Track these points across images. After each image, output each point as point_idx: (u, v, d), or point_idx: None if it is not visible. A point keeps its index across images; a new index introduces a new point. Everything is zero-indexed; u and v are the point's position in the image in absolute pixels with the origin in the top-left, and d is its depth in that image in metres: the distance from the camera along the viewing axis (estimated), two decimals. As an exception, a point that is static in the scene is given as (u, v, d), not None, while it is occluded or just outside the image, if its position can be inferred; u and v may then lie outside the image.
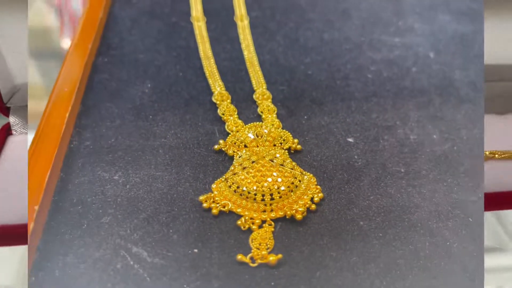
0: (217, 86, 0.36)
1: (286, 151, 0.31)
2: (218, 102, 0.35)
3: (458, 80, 0.40)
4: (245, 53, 0.41)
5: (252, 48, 0.42)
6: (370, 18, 0.48)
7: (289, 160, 0.30)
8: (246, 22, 0.45)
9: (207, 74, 0.38)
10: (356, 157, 0.32)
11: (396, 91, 0.38)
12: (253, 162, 0.29)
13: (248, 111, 0.35)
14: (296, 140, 0.32)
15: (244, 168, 0.29)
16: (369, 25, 0.47)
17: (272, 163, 0.29)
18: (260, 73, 0.38)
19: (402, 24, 0.47)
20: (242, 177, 0.28)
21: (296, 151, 0.32)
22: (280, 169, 0.28)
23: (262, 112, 0.34)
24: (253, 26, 0.45)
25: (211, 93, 0.36)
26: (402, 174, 0.31)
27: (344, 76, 0.40)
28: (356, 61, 0.42)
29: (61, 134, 0.29)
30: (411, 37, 0.45)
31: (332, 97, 0.37)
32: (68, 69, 0.34)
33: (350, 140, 0.33)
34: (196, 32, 0.43)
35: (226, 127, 0.33)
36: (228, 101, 0.35)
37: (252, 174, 0.28)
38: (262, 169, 0.28)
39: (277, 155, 0.29)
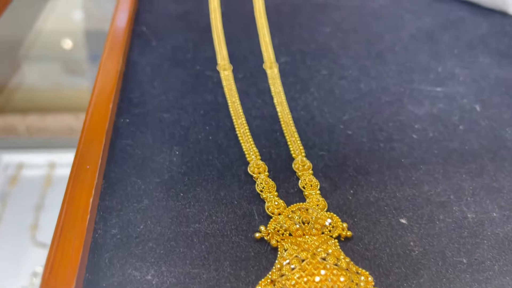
0: (252, 154, 0.33)
1: (337, 241, 0.28)
2: (254, 175, 0.31)
3: (510, 140, 0.37)
4: (278, 109, 0.38)
5: (285, 102, 0.38)
6: (406, 62, 0.44)
7: (342, 256, 0.26)
8: (275, 70, 0.42)
9: (239, 136, 0.35)
10: (412, 243, 0.29)
11: (445, 156, 0.35)
12: (302, 261, 0.26)
13: (287, 184, 0.32)
14: (345, 225, 0.29)
15: (292, 268, 0.25)
16: (406, 71, 0.43)
17: (325, 263, 0.25)
18: (296, 135, 0.35)
19: (441, 70, 0.44)
20: (293, 282, 0.24)
21: (346, 238, 0.29)
22: (334, 271, 0.25)
23: (304, 187, 0.31)
24: (283, 74, 0.42)
25: (245, 161, 0.33)
26: (464, 266, 0.28)
27: (387, 136, 0.36)
28: (398, 117, 0.38)
29: (85, 225, 0.26)
30: (453, 85, 0.42)
31: (377, 165, 0.34)
32: (88, 143, 0.30)
33: (403, 221, 0.30)
34: (224, 83, 0.40)
35: (266, 208, 0.30)
36: (266, 173, 0.32)
37: (304, 279, 0.24)
38: (315, 272, 0.25)
39: (329, 251, 0.26)
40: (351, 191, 0.32)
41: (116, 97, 0.36)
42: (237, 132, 0.35)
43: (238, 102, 0.38)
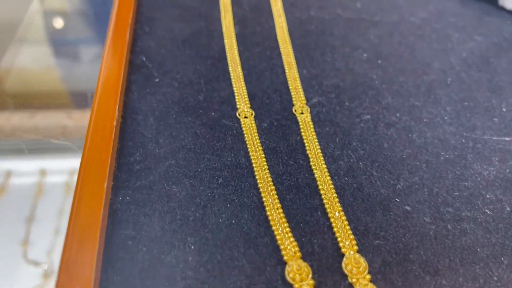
0: (290, 247, 0.25)
1: None
2: (296, 285, 0.24)
3: None
4: (316, 175, 0.30)
5: (323, 165, 0.30)
6: (463, 99, 0.36)
7: None
8: (307, 116, 0.33)
9: (271, 220, 0.27)
10: None
11: (530, 243, 0.27)
12: None
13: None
14: None
15: None
16: (465, 112, 0.35)
17: None
18: (343, 216, 0.27)
19: (506, 109, 0.36)
20: None
21: None
22: None
23: (360, 301, 0.23)
24: (317, 120, 0.34)
25: (281, 259, 0.25)
26: None
27: (455, 214, 0.29)
28: (465, 183, 0.30)
29: None
30: (522, 132, 0.34)
31: (448, 259, 0.26)
32: (76, 249, 0.23)
33: None
34: (246, 137, 0.32)
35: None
36: (310, 280, 0.24)
37: None
38: None
39: None
40: (421, 303, 0.24)
41: (112, 165, 0.28)
42: (268, 213, 0.27)
43: (265, 165, 0.30)
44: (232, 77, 0.37)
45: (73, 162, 0.48)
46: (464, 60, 0.41)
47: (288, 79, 0.37)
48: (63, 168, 0.50)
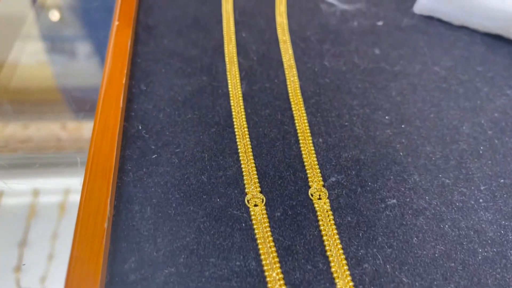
0: None
1: None
2: None
3: None
4: (339, 284, 0.26)
5: (346, 271, 0.26)
6: (498, 174, 0.32)
7: None
8: (326, 202, 0.29)
9: None
10: None
11: None
12: None
13: None
14: None
15: None
16: (501, 191, 0.31)
17: None
18: None
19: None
20: None
21: None
22: None
23: None
24: (337, 207, 0.30)
25: None
26: None
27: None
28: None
29: None
30: None
31: None
32: None
33: None
34: (256, 230, 0.28)
35: None
36: None
37: None
38: None
39: None
40: None
41: (103, 275, 0.24)
42: None
43: (279, 272, 0.26)
44: (239, 150, 0.33)
45: (67, 180, 0.44)
46: (497, 122, 0.37)
47: (303, 151, 0.33)
48: (57, 187, 0.47)
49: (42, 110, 0.48)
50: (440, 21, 0.46)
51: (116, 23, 0.39)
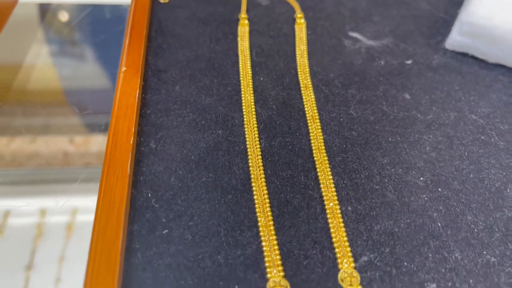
0: None
1: None
2: None
3: None
4: None
5: None
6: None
7: None
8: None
9: None
10: None
11: None
12: None
13: None
14: None
15: None
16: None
17: None
18: None
19: None
20: None
21: None
22: None
23: None
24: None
25: None
26: None
27: None
28: None
29: None
30: None
31: None
32: None
33: None
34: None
35: None
36: None
37: None
38: None
39: None
40: None
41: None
42: None
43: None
44: (259, 222, 0.29)
45: (76, 200, 0.42)
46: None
47: (330, 224, 0.29)
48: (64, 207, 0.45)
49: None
50: (474, 58, 0.42)
51: (124, 69, 0.36)
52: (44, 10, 0.56)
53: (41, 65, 0.53)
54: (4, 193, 0.45)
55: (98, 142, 0.43)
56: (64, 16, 0.56)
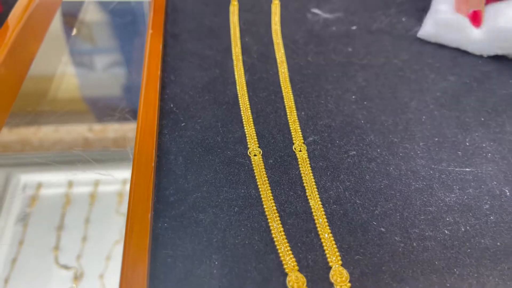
0: (290, 262, 0.34)
1: None
2: (294, 292, 0.32)
3: (541, 232, 0.37)
4: (311, 203, 0.38)
5: (317, 195, 0.39)
6: (434, 135, 0.45)
7: None
8: (305, 153, 0.42)
9: (275, 241, 0.35)
10: None
11: (477, 256, 0.36)
12: None
13: (326, 297, 0.33)
14: None
15: None
16: (435, 147, 0.43)
17: None
18: (331, 237, 0.36)
19: (469, 143, 0.44)
20: None
21: None
22: None
23: (342, 304, 0.32)
24: (313, 157, 0.42)
25: (284, 272, 0.34)
26: None
27: (420, 234, 0.37)
28: (429, 209, 0.39)
29: None
30: (481, 163, 0.42)
31: (411, 270, 0.34)
32: (132, 269, 0.31)
33: None
34: (255, 172, 0.40)
35: (307, 330, 0.31)
36: (305, 286, 0.33)
37: None
38: None
39: None
40: (388, 304, 0.33)
41: (153, 197, 0.37)
42: (273, 234, 0.36)
43: (270, 195, 0.39)
44: (243, 120, 0.45)
45: (94, 174, 0.53)
46: (438, 99, 0.49)
47: (289, 120, 0.45)
48: (87, 180, 0.56)
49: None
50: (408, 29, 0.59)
51: (150, 31, 0.52)
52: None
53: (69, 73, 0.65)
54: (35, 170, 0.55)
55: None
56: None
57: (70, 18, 0.72)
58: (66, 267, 0.46)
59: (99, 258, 0.46)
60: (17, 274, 0.46)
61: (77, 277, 0.46)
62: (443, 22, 0.53)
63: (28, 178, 0.54)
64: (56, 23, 0.70)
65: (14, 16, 0.50)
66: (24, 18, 0.50)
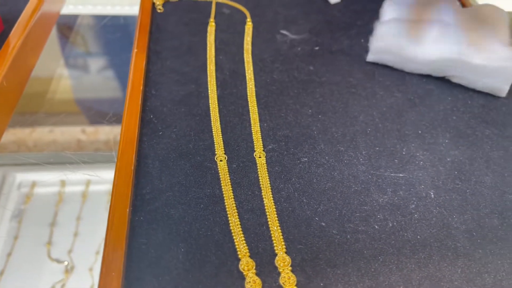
0: (243, 250, 0.41)
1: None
2: (244, 273, 0.40)
3: (455, 228, 0.45)
4: (265, 201, 0.46)
5: (270, 194, 0.46)
6: (376, 145, 0.52)
7: None
8: (263, 159, 0.49)
9: (233, 232, 0.43)
10: (366, 333, 0.37)
11: (399, 247, 0.43)
12: None
13: (270, 278, 0.40)
14: (314, 319, 0.37)
15: None
16: (375, 156, 0.51)
17: None
18: (279, 229, 0.43)
19: (405, 153, 0.52)
20: None
21: (314, 330, 0.37)
22: None
23: (283, 283, 0.39)
24: (270, 162, 0.50)
25: (238, 257, 0.41)
26: None
27: (354, 228, 0.44)
28: (364, 207, 0.46)
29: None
30: (413, 170, 0.50)
31: (344, 258, 0.42)
32: (112, 250, 0.39)
33: (361, 313, 0.39)
34: (220, 175, 0.48)
35: (254, 305, 0.38)
36: (253, 270, 0.40)
37: None
38: None
39: None
40: (321, 284, 0.40)
41: (131, 195, 0.44)
42: (231, 227, 0.43)
43: (231, 195, 0.46)
44: (213, 130, 0.53)
45: (87, 174, 0.59)
46: (384, 113, 0.57)
47: (253, 131, 0.53)
48: (79, 180, 0.61)
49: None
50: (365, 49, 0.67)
51: (135, 50, 0.60)
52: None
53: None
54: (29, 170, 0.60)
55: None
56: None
57: (66, 29, 0.79)
58: (58, 261, 0.52)
59: (89, 253, 0.53)
60: (12, 267, 0.51)
61: (68, 270, 0.52)
62: (382, 49, 0.61)
63: (23, 177, 0.60)
64: (53, 35, 0.77)
65: (15, 33, 0.57)
66: (24, 35, 0.57)
